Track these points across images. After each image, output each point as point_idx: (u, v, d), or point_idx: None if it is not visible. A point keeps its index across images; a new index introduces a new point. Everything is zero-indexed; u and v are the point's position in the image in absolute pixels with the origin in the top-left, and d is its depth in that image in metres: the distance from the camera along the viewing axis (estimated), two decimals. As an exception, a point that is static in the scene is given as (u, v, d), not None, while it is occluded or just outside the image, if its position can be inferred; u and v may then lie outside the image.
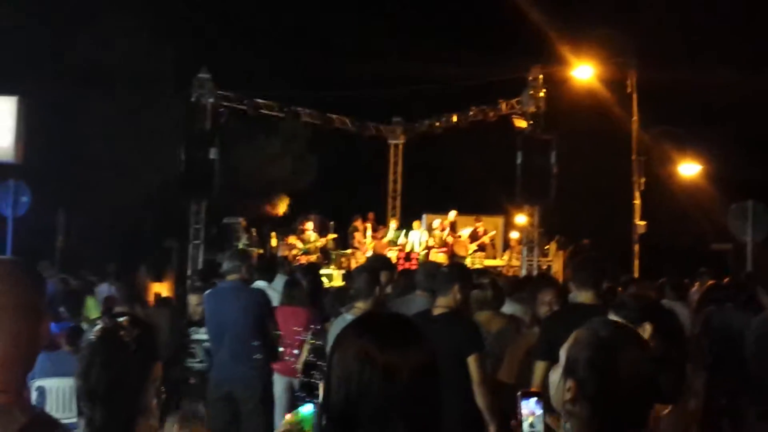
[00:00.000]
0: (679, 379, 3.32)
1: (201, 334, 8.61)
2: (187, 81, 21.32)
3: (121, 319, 2.77)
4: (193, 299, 8.96)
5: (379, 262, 8.44)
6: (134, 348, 2.70)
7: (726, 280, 10.80)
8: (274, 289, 9.29)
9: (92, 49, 24.65)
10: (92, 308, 11.82)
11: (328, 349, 6.58)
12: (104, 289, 14.44)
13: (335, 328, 6.49)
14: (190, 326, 8.90)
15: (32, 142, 18.55)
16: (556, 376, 2.56)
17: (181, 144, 19.91)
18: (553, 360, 5.63)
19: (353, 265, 20.10)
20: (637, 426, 2.43)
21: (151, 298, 21.95)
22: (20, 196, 16.31)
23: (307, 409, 4.30)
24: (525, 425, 2.53)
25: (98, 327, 2.74)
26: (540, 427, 2.53)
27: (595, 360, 2.43)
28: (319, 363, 7.29)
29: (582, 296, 5.88)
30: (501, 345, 6.74)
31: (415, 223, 22.11)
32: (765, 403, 7.76)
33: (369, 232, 21.87)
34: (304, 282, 9.46)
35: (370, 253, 19.91)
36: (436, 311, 6.01)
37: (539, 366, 5.76)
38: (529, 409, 2.55)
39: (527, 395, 2.57)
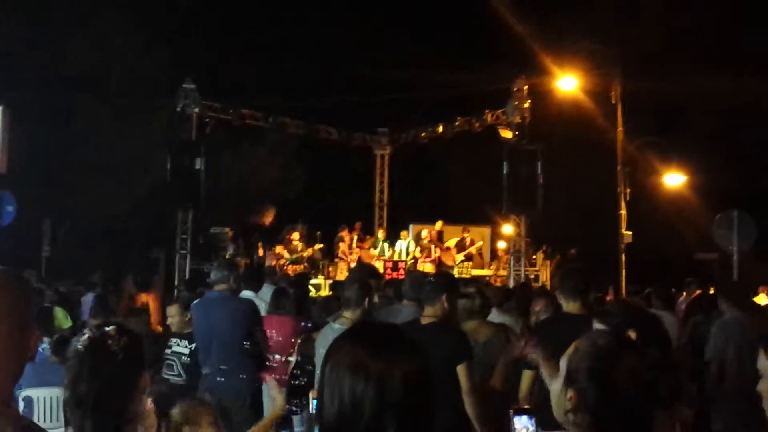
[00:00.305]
0: (676, 384, 3.34)
1: (180, 347, 8.52)
2: (174, 90, 21.31)
3: (108, 328, 2.77)
4: (171, 310, 8.82)
5: (366, 271, 8.44)
6: (122, 357, 2.70)
7: (712, 290, 10.87)
8: (261, 299, 9.30)
9: (79, 58, 24.61)
10: (61, 319, 11.72)
11: (315, 358, 6.59)
12: (90, 299, 14.36)
13: (322, 337, 6.49)
14: (169, 337, 8.82)
15: (17, 151, 18.48)
16: (557, 386, 2.57)
17: (167, 154, 19.91)
18: (539, 369, 5.68)
19: (339, 275, 20.10)
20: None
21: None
22: (5, 205, 16.25)
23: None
24: None
25: (86, 336, 2.73)
26: (562, 406, 2.54)
27: (594, 369, 2.45)
28: (307, 368, 7.30)
29: (569, 306, 5.90)
30: (490, 354, 6.74)
31: (402, 233, 22.14)
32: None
33: (355, 243, 21.87)
34: (291, 291, 9.47)
35: (354, 264, 19.89)
36: (424, 321, 6.02)
37: (526, 375, 5.83)
38: (522, 424, 2.57)
39: (519, 412, 2.59)
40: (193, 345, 8.14)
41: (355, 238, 22.03)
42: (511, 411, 2.59)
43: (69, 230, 24.89)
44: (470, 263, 21.33)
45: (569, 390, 2.47)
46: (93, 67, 24.67)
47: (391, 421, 1.98)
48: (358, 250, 21.54)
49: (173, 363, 8.39)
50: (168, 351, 8.45)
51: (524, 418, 2.58)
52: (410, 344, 2.11)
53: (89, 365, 2.67)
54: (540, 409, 2.68)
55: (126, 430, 2.68)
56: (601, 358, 2.47)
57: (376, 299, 7.71)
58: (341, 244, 21.80)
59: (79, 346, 2.70)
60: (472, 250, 21.65)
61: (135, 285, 22.50)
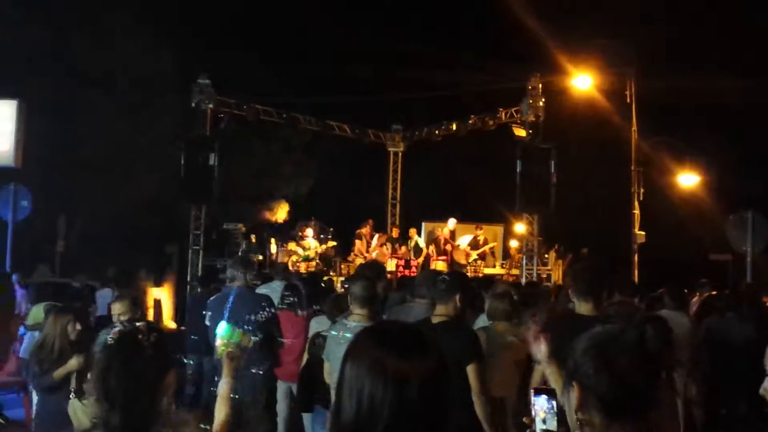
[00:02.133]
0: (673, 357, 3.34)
1: None
2: (187, 85, 21.37)
3: (138, 324, 2.78)
4: (118, 307, 7.82)
5: (372, 269, 8.45)
6: (151, 353, 2.72)
7: (726, 290, 10.85)
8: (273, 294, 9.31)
9: (93, 52, 24.67)
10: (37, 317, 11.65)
11: (324, 354, 6.59)
12: (106, 293, 14.43)
13: (333, 333, 6.49)
14: None
15: (32, 147, 18.58)
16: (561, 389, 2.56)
17: (180, 149, 19.97)
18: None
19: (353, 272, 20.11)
20: (639, 418, 2.45)
21: (150, 303, 22.02)
22: (20, 201, 16.31)
23: (220, 328, 4.32)
24: (537, 421, 2.55)
25: (116, 330, 2.73)
26: (553, 423, 2.54)
27: (593, 349, 2.45)
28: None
29: (581, 307, 5.85)
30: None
31: (411, 231, 22.14)
32: None
33: (375, 240, 21.79)
34: (302, 288, 9.49)
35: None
36: (435, 319, 6.01)
37: (537, 370, 5.83)
38: (542, 405, 2.56)
39: (540, 392, 2.59)
40: None
41: (376, 236, 21.95)
42: (531, 390, 2.58)
43: (83, 226, 24.97)
44: (482, 262, 21.33)
45: (573, 387, 2.47)
46: (107, 62, 24.72)
47: (409, 421, 1.98)
48: (377, 248, 21.48)
49: None
50: None
51: (543, 398, 2.57)
52: (429, 344, 2.11)
53: (120, 359, 2.66)
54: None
55: (152, 429, 2.69)
56: (600, 339, 2.48)
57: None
58: (358, 242, 21.74)
59: (109, 339, 2.70)
60: (486, 249, 21.62)
61: (148, 280, 22.63)
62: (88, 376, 2.81)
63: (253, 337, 4.32)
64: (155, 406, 2.68)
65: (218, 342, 4.35)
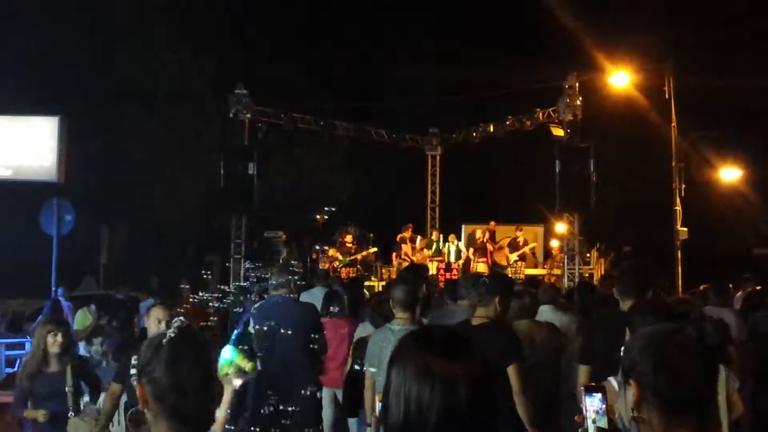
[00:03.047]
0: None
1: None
2: (225, 96, 21.54)
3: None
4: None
5: (413, 272, 8.45)
6: (205, 343, 2.87)
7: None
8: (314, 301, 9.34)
9: (132, 67, 24.95)
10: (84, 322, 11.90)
11: (366, 359, 6.60)
12: (149, 304, 14.57)
13: (379, 338, 6.50)
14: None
15: (74, 161, 18.82)
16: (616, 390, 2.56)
17: (220, 159, 20.15)
18: (594, 365, 5.69)
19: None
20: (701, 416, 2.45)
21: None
22: (64, 215, 16.49)
23: (225, 352, 4.35)
24: (588, 421, 2.55)
25: (176, 326, 2.82)
26: (603, 421, 2.54)
27: (650, 346, 2.44)
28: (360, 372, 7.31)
29: (625, 304, 5.82)
30: (548, 354, 6.77)
31: (451, 237, 22.09)
32: None
33: (418, 242, 21.78)
34: (344, 294, 9.51)
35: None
36: (476, 321, 6.01)
37: (582, 370, 5.82)
38: (593, 404, 2.56)
39: (590, 390, 2.58)
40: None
41: (418, 239, 21.94)
42: (582, 389, 2.57)
43: (125, 237, 25.25)
44: (523, 263, 21.24)
45: (630, 386, 2.47)
46: (145, 76, 25.01)
47: (456, 423, 1.98)
48: (418, 251, 21.45)
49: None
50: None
51: (596, 397, 2.56)
52: (475, 348, 2.11)
53: (187, 349, 2.75)
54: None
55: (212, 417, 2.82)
56: (658, 337, 2.48)
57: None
58: (404, 246, 21.72)
59: (171, 334, 2.77)
60: (526, 250, 21.53)
61: (190, 289, 22.76)
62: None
63: (252, 365, 4.33)
64: (215, 393, 2.79)
65: (219, 364, 4.38)
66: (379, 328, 6.86)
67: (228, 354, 4.29)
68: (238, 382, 4.13)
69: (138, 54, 25.16)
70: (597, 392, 2.57)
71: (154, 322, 6.60)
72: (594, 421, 2.55)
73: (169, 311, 6.92)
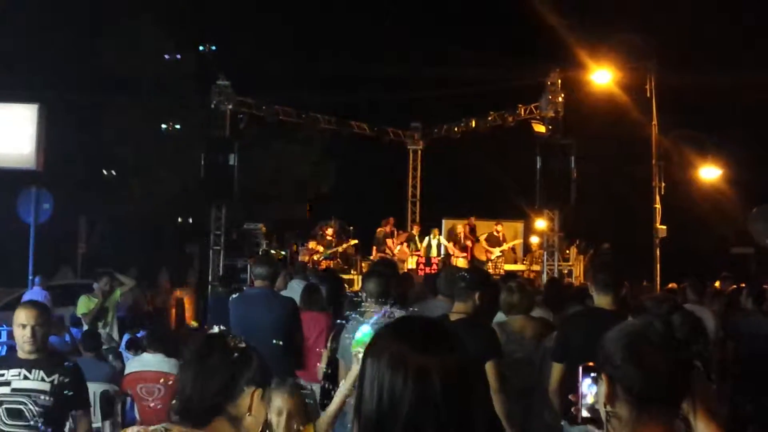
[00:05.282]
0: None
1: (33, 380, 7.64)
2: (207, 87, 21.45)
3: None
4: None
5: (386, 265, 8.43)
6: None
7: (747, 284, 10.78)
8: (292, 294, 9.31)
9: (113, 56, 24.80)
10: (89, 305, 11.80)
11: (339, 353, 6.56)
12: (128, 294, 14.56)
13: (349, 331, 6.45)
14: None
15: (53, 149, 18.68)
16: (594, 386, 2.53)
17: (201, 150, 20.07)
18: (569, 362, 5.70)
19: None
20: (672, 411, 2.43)
21: (172, 303, 22.07)
22: (42, 203, 16.37)
23: (362, 332, 4.38)
24: (582, 402, 2.52)
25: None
26: (600, 402, 2.50)
27: (624, 342, 2.43)
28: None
29: (600, 300, 5.85)
30: (537, 350, 6.76)
31: (434, 231, 22.08)
32: None
33: (397, 237, 21.73)
34: (322, 287, 9.48)
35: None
36: (453, 317, 5.99)
37: (556, 367, 5.84)
38: (588, 386, 2.53)
39: (587, 371, 2.55)
40: (55, 377, 5.38)
41: (396, 232, 21.91)
42: (580, 368, 2.54)
43: (104, 227, 25.12)
44: (502, 258, 21.26)
45: (602, 376, 2.45)
46: (126, 65, 24.84)
47: (430, 417, 1.95)
48: (398, 245, 21.42)
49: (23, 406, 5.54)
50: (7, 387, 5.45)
51: (589, 380, 2.54)
52: (452, 340, 2.08)
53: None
54: (568, 405, 2.64)
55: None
56: (627, 331, 2.46)
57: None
58: (388, 240, 21.64)
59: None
60: (506, 247, 21.50)
61: (169, 280, 22.69)
62: None
63: None
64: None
65: (355, 339, 4.42)
66: (350, 321, 6.82)
67: (364, 333, 4.31)
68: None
69: (119, 43, 25.00)
70: (592, 373, 2.53)
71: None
72: (588, 403, 2.52)
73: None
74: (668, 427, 2.42)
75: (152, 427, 2.82)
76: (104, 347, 10.67)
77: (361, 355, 4.25)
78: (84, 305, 11.45)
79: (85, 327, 11.20)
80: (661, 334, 2.43)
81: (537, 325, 7.10)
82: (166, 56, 25.73)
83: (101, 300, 11.43)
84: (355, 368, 4.18)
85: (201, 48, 26.39)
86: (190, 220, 24.58)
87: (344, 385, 4.42)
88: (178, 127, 24.97)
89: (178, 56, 26.06)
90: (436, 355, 2.00)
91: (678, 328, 2.53)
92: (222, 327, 3.17)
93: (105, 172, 24.01)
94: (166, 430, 2.80)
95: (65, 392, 5.33)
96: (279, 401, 4.41)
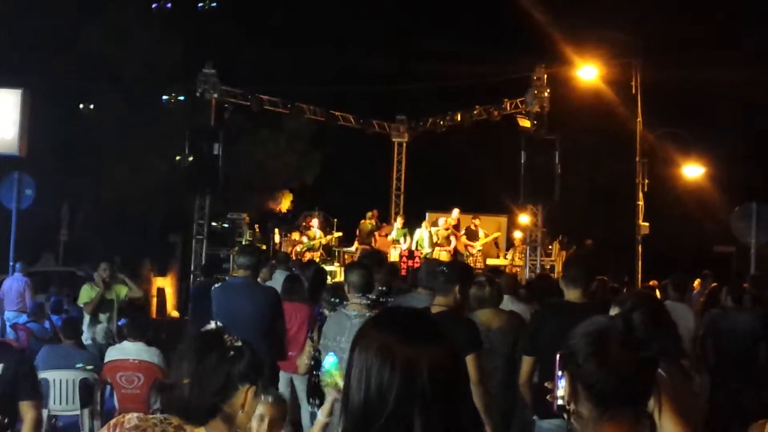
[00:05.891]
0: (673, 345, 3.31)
1: None
2: (192, 76, 21.37)
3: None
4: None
5: (371, 258, 8.42)
6: None
7: (729, 282, 10.85)
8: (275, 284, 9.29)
9: (98, 42, 24.66)
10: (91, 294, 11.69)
11: (321, 344, 6.54)
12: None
13: (333, 322, 6.44)
14: None
15: (36, 136, 18.59)
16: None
17: (185, 139, 20.01)
18: (538, 355, 5.77)
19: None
20: (634, 411, 2.43)
21: (154, 292, 22.01)
22: (24, 189, 16.32)
23: (328, 362, 4.48)
24: (559, 391, 2.50)
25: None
26: (565, 399, 2.49)
27: (585, 345, 2.41)
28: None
29: (570, 294, 5.96)
30: (505, 342, 6.77)
31: (425, 223, 22.04)
32: None
33: (382, 230, 21.68)
34: (304, 278, 9.47)
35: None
36: (434, 309, 5.98)
37: (526, 360, 5.92)
38: (559, 379, 2.51)
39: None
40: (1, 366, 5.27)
41: (378, 224, 21.84)
42: (557, 355, 2.53)
43: (87, 215, 25.01)
44: (481, 251, 21.25)
45: (564, 375, 2.44)
46: (111, 52, 24.71)
47: (417, 408, 1.95)
48: (383, 237, 21.37)
49: None
50: None
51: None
52: (438, 331, 2.09)
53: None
54: (538, 398, 2.65)
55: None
56: (589, 328, 2.45)
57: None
58: (377, 233, 21.57)
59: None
60: (488, 240, 21.47)
61: (152, 269, 22.63)
62: None
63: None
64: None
65: (326, 368, 4.56)
66: (334, 313, 6.81)
67: (330, 363, 4.42)
68: (335, 395, 4.27)
69: (105, 30, 24.85)
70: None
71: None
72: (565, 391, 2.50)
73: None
74: (631, 427, 2.41)
75: (152, 416, 2.85)
76: (101, 343, 10.61)
77: (332, 389, 4.44)
78: (86, 294, 11.31)
79: (87, 316, 11.08)
80: (621, 333, 2.42)
81: (505, 317, 7.11)
82: (152, 43, 25.58)
83: (102, 289, 11.30)
84: (330, 399, 4.40)
85: (187, 36, 26.24)
86: (174, 210, 24.45)
87: (321, 414, 4.55)
88: (163, 114, 24.80)
89: (164, 44, 25.90)
90: (425, 346, 2.00)
91: (638, 326, 2.51)
92: (219, 323, 3.17)
93: (88, 159, 23.80)
94: (165, 419, 2.81)
95: (12, 381, 5.26)
96: (261, 408, 4.51)
